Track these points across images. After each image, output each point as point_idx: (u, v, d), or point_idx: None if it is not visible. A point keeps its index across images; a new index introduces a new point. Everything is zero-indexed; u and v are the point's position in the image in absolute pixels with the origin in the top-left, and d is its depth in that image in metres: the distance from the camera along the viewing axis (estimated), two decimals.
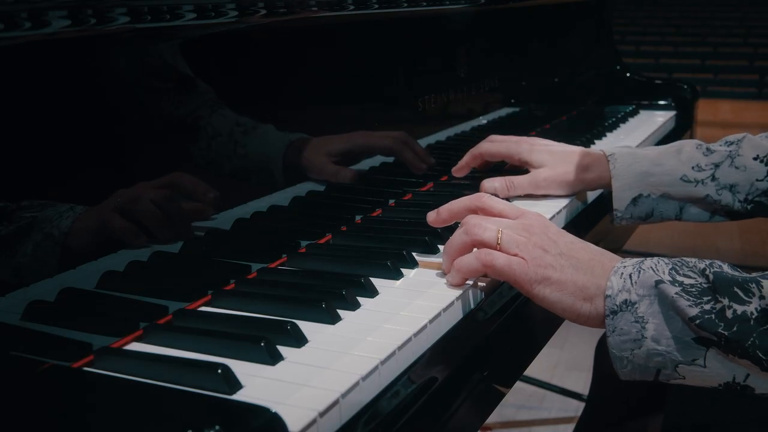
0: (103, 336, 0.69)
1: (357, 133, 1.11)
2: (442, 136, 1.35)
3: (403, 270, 0.85)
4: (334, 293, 0.76)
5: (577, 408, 2.32)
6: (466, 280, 0.82)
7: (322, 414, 0.57)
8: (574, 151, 1.17)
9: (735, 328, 0.67)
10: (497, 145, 1.21)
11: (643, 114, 1.93)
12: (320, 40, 1.04)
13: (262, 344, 0.65)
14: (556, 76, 1.86)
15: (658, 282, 0.72)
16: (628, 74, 2.07)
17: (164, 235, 0.81)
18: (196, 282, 0.81)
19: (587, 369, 2.53)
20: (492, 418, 2.19)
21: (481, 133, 1.45)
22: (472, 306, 0.82)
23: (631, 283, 0.73)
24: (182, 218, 0.84)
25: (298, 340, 0.68)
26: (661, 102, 1.98)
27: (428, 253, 0.91)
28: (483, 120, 1.49)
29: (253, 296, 0.79)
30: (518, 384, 2.27)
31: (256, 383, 0.61)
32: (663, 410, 1.04)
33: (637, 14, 10.11)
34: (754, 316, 0.67)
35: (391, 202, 1.12)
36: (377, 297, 0.79)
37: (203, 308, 0.78)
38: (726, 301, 0.68)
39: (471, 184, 1.23)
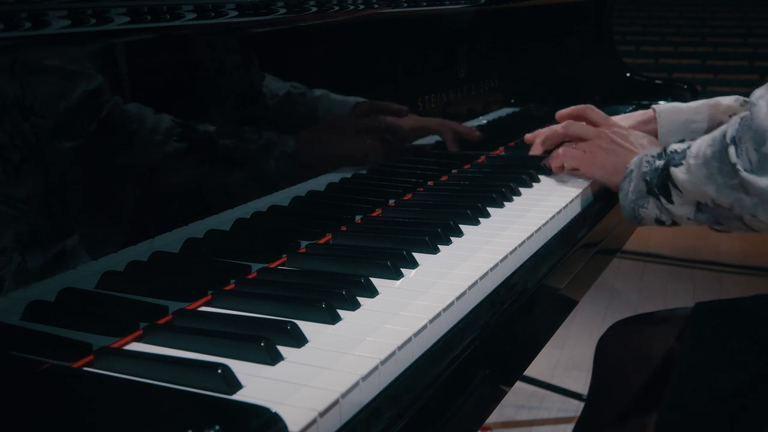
0: (103, 336, 0.69)
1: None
2: None
3: (403, 270, 0.85)
4: (334, 293, 0.76)
5: (576, 408, 2.32)
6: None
7: (322, 414, 0.57)
8: (634, 114, 1.43)
9: (651, 176, 1.08)
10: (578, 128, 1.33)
11: None
12: (319, 41, 1.04)
13: (262, 344, 0.65)
14: (556, 76, 1.86)
15: (641, 158, 1.11)
16: (628, 74, 2.07)
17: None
18: (196, 282, 0.81)
19: (587, 369, 2.53)
20: (492, 418, 2.19)
21: (481, 133, 1.45)
22: (472, 306, 0.82)
23: (637, 161, 1.12)
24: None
25: (298, 340, 0.68)
26: (662, 102, 1.98)
27: (429, 252, 0.91)
28: (483, 120, 1.49)
29: (253, 296, 0.79)
30: (518, 384, 2.27)
31: (256, 383, 0.61)
32: (658, 407, 1.05)
33: (637, 14, 10.10)
34: (659, 168, 1.07)
35: (391, 202, 1.12)
36: (377, 297, 0.79)
37: (203, 308, 0.78)
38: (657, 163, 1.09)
39: (470, 185, 1.23)
